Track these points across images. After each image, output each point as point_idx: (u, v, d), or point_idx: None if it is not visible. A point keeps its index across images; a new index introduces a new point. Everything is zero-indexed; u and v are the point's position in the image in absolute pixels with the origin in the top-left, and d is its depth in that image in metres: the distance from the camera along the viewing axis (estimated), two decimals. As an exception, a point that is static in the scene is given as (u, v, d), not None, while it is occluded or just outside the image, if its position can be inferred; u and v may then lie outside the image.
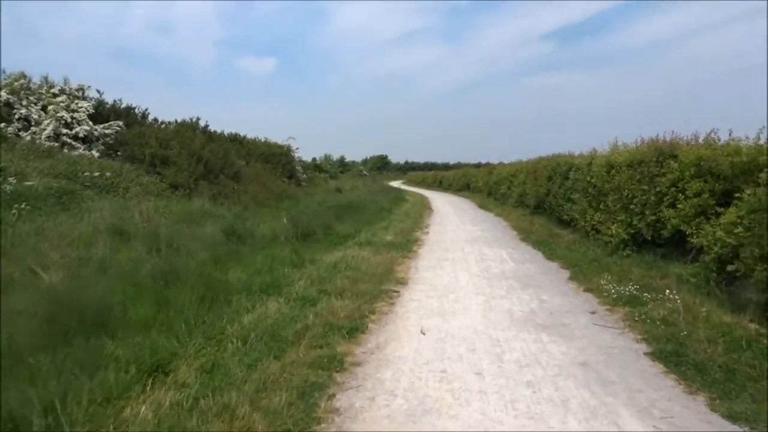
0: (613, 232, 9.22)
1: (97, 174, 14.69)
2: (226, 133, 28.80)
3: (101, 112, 19.95)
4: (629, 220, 8.98)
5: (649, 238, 8.43)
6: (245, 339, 4.84)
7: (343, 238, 11.65)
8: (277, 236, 11.13)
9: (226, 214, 15.99)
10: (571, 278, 8.08)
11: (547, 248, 10.70)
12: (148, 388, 3.76)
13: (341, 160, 73.16)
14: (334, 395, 3.90)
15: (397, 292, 7.23)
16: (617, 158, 9.80)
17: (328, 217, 14.62)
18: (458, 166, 67.01)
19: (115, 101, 21.09)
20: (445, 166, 76.88)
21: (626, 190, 9.07)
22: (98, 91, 20.35)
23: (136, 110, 21.96)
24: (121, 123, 19.56)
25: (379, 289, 7.20)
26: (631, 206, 8.85)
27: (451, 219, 17.51)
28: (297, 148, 34.37)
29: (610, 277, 7.64)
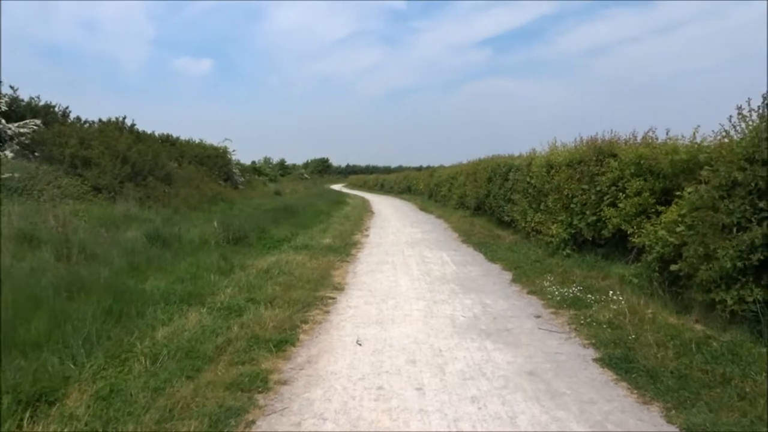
0: (554, 232, 9.08)
1: (5, 176, 13.42)
2: (157, 134, 27.50)
3: (16, 110, 18.47)
4: (569, 219, 8.85)
5: (590, 238, 8.31)
6: (156, 357, 4.23)
7: (278, 242, 11.05)
8: (206, 241, 10.42)
9: (154, 218, 15.04)
10: (513, 280, 7.84)
11: (489, 250, 10.49)
12: (24, 423, 3.12)
13: (281, 163, 71.80)
14: (253, 422, 3.38)
15: (334, 298, 6.74)
16: (556, 158, 9.69)
17: (264, 221, 13.96)
18: (400, 169, 67.13)
19: (32, 98, 19.60)
20: (387, 170, 76.90)
21: (566, 190, 8.94)
22: (12, 87, 18.83)
23: (56, 108, 20.50)
24: (38, 122, 18.13)
25: (313, 296, 6.69)
26: (572, 206, 8.72)
27: (392, 222, 17.18)
28: (234, 150, 33.22)
29: (552, 278, 7.45)
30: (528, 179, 11.05)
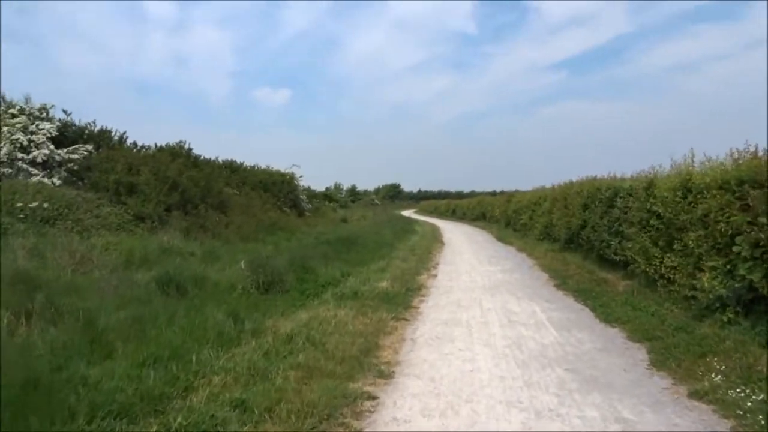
0: (705, 284, 6.17)
1: (33, 204, 12.01)
2: (220, 160, 26.36)
3: (67, 135, 17.49)
4: (729, 267, 5.96)
5: (772, 298, 5.39)
6: None
7: (322, 286, 8.74)
8: (233, 286, 8.28)
9: (196, 250, 13.24)
10: (654, 364, 5.05)
11: (598, 303, 7.67)
12: None
13: (352, 189, 70.59)
14: None
15: (374, 399, 4.25)
16: (700, 179, 6.81)
17: (314, 256, 11.74)
18: (472, 194, 63.99)
19: (87, 124, 18.64)
20: (459, 195, 73.78)
21: (721, 224, 6.06)
22: (65, 112, 17.92)
23: (113, 133, 19.50)
24: (90, 147, 17.04)
25: (343, 393, 4.24)
26: (734, 247, 5.83)
27: (465, 256, 14.51)
28: (301, 176, 31.75)
29: (722, 366, 4.63)
30: (648, 207, 8.19)
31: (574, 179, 14.59)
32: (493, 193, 43.93)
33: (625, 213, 9.38)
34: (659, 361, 5.06)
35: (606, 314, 6.97)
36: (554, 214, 15.01)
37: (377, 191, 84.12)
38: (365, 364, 5.00)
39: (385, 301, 7.82)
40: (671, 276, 7.16)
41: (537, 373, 4.84)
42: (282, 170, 31.46)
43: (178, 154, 20.31)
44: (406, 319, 6.92)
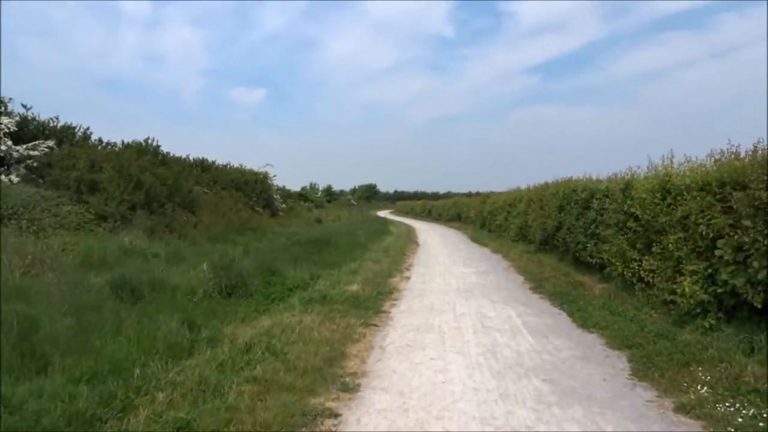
0: (686, 290, 5.92)
1: (-19, 203, 11.30)
2: (191, 158, 25.62)
3: (27, 131, 16.68)
4: (710, 272, 5.73)
5: (757, 305, 5.15)
6: None
7: (289, 290, 8.31)
8: (193, 290, 7.79)
9: (161, 251, 12.66)
10: (635, 373, 4.76)
11: (575, 307, 7.40)
12: None
13: (328, 189, 70.02)
14: None
15: (336, 417, 3.85)
16: (680, 180, 6.58)
17: (284, 257, 11.29)
18: (448, 195, 63.95)
19: (49, 119, 17.84)
20: (435, 196, 73.68)
21: (701, 227, 5.82)
22: (24, 106, 17.09)
23: (77, 129, 18.72)
24: (51, 143, 16.26)
25: (302, 409, 3.85)
26: (716, 251, 5.59)
27: (440, 257, 14.19)
28: (274, 175, 31.07)
29: (707, 376, 4.36)
30: (626, 208, 7.96)
31: (549, 181, 14.41)
32: (469, 194, 43.89)
33: (602, 215, 9.17)
34: (641, 371, 4.77)
35: (583, 319, 6.69)
36: (530, 216, 14.81)
37: (353, 192, 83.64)
38: (329, 376, 4.60)
39: (355, 305, 7.43)
40: (650, 280, 6.91)
41: (513, 385, 4.50)
42: (255, 169, 30.86)
43: (144, 152, 19.55)
44: (375, 325, 6.54)
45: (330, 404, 4.04)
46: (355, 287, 8.57)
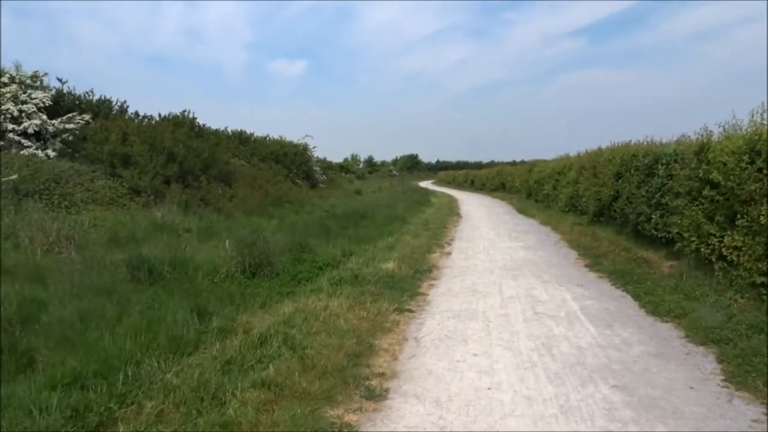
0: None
1: (12, 177, 11.01)
2: (229, 130, 25.22)
3: (63, 105, 16.45)
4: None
5: None
6: None
7: (319, 268, 7.60)
8: (216, 269, 7.18)
9: (193, 226, 12.22)
10: (729, 380, 3.81)
11: (640, 288, 6.40)
12: None
13: (369, 160, 69.29)
14: None
15: (355, 437, 3.12)
16: (776, 137, 5.46)
17: (318, 232, 10.62)
18: (491, 164, 62.08)
19: (85, 93, 17.58)
20: (478, 165, 71.80)
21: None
22: (60, 80, 16.86)
23: (113, 103, 18.43)
24: (87, 117, 15.98)
25: (314, 424, 3.13)
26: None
27: (484, 230, 13.22)
28: (314, 147, 30.53)
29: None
30: (701, 174, 6.83)
31: (603, 146, 13.16)
32: (513, 163, 42.23)
33: (669, 182, 8.03)
34: (737, 376, 3.82)
35: (653, 304, 5.71)
36: (581, 184, 13.62)
37: (395, 162, 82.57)
38: (352, 378, 3.85)
39: (389, 286, 6.66)
40: (734, 258, 5.84)
41: (576, 393, 3.65)
42: (295, 141, 30.33)
43: (181, 124, 19.20)
44: (411, 311, 5.75)
45: (350, 417, 3.30)
46: (390, 265, 7.78)
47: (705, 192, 6.71)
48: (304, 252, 8.45)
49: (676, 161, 7.98)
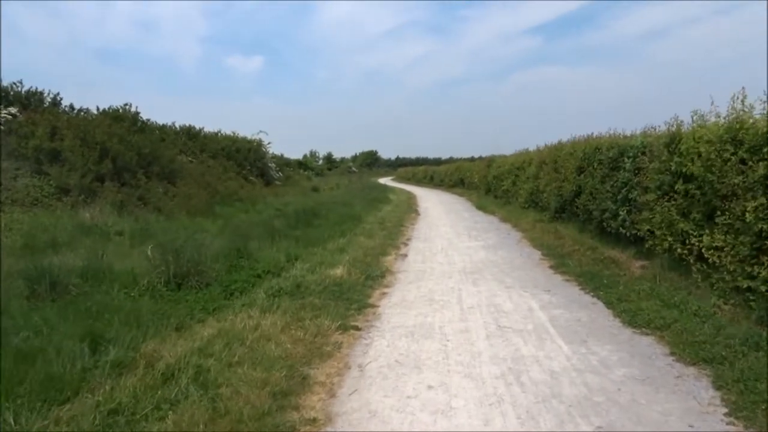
0: (780, 277, 4.26)
1: None
2: (177, 125, 23.80)
3: (-14, 97, 14.90)
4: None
5: None
6: None
7: (257, 276, 6.69)
8: (136, 278, 6.18)
9: (127, 228, 11.06)
10: (734, 413, 3.13)
11: (612, 294, 5.75)
12: None
13: (328, 157, 68.10)
14: None
15: None
16: (759, 126, 4.86)
17: (262, 233, 9.66)
18: (450, 160, 61.83)
19: (12, 84, 16.03)
20: (437, 161, 71.43)
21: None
22: (-19, 69, 15.25)
23: (45, 95, 16.92)
24: (13, 110, 14.51)
25: None
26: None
27: (442, 228, 12.49)
28: (269, 143, 29.30)
29: None
30: (672, 167, 6.25)
31: (563, 140, 12.63)
32: (471, 159, 41.92)
33: (637, 176, 7.46)
34: (742, 409, 3.14)
35: (629, 313, 5.05)
36: (541, 180, 13.09)
37: (354, 159, 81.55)
38: (273, 429, 3.00)
39: (336, 296, 5.81)
40: (715, 260, 5.24)
41: (554, 440, 2.89)
42: (249, 137, 29.10)
43: (121, 118, 17.82)
44: (357, 328, 4.91)
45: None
46: (339, 270, 6.93)
47: (678, 186, 6.13)
48: (242, 257, 7.51)
49: (643, 153, 7.41)
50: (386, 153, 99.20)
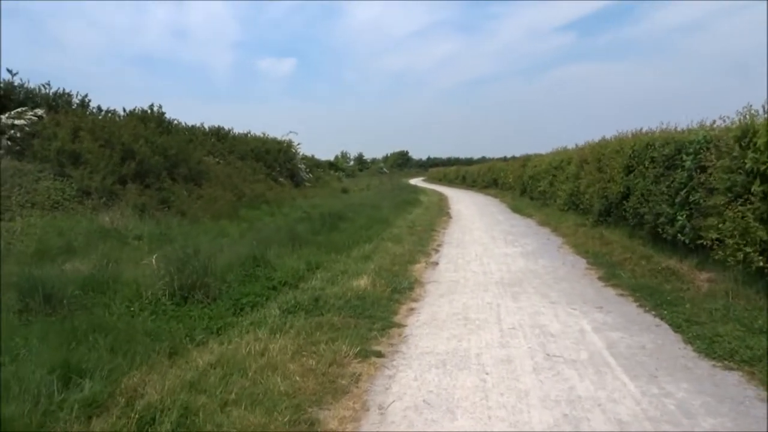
0: None
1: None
2: (205, 126, 23.57)
3: (13, 99, 14.78)
4: None
5: None
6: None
7: (272, 288, 6.06)
8: (139, 290, 5.61)
9: (147, 233, 10.63)
10: None
11: (679, 314, 4.89)
12: None
13: (359, 158, 67.65)
14: None
15: None
16: None
17: (283, 238, 9.05)
18: (483, 160, 60.59)
19: (40, 85, 15.87)
20: (469, 161, 70.20)
21: None
22: (9, 71, 15.15)
23: (73, 96, 16.72)
24: (40, 111, 14.34)
25: None
26: None
27: (476, 233, 11.67)
28: (299, 144, 28.96)
29: None
30: (748, 165, 5.36)
31: (606, 136, 11.69)
32: (504, 159, 40.76)
33: (700, 175, 6.55)
34: None
35: (705, 340, 4.20)
36: (582, 180, 12.15)
37: (385, 159, 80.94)
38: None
39: (357, 312, 5.13)
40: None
41: None
42: (279, 138, 28.79)
43: (148, 119, 17.57)
44: (379, 354, 4.20)
45: None
46: (362, 281, 6.25)
47: (755, 187, 5.24)
48: (259, 266, 6.90)
49: (707, 149, 6.50)
50: (417, 153, 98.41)
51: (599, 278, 6.71)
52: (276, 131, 33.80)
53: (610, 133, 10.64)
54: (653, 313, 5.09)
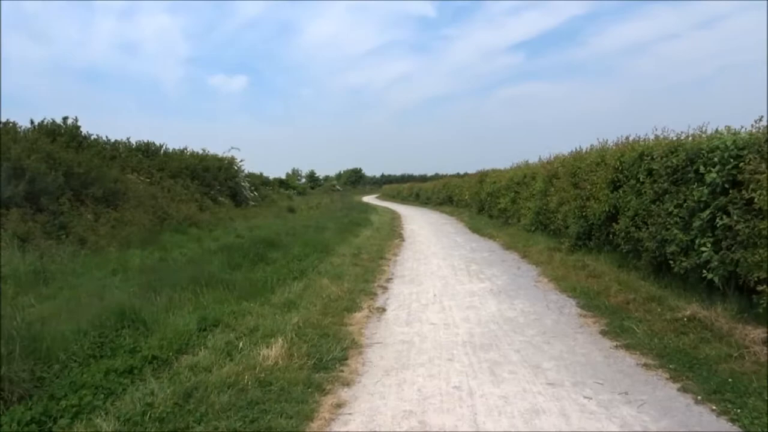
0: None
1: None
2: (132, 142, 20.96)
3: None
4: None
5: None
6: None
7: (126, 372, 3.89)
8: None
9: (22, 269, 8.22)
10: None
11: (743, 407, 3.06)
12: None
13: (311, 175, 65.33)
14: None
15: None
16: None
17: (183, 279, 6.84)
18: (437, 177, 59.43)
19: None
20: (423, 178, 68.97)
21: None
22: None
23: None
24: None
25: None
26: None
27: (433, 261, 9.71)
28: (242, 161, 26.70)
29: None
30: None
31: (562, 152, 10.08)
32: (459, 175, 39.37)
33: (733, 191, 4.81)
34: None
35: None
36: (552, 197, 10.46)
37: (338, 177, 78.83)
38: None
39: (247, 422, 3.06)
40: None
41: None
42: (219, 154, 26.45)
43: (58, 133, 15.03)
44: None
45: None
46: (274, 350, 4.18)
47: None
48: (125, 327, 4.71)
49: (740, 157, 4.77)
50: (371, 171, 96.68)
51: (603, 333, 4.84)
52: (225, 148, 31.17)
53: (565, 148, 9.03)
54: (712, 407, 3.22)
